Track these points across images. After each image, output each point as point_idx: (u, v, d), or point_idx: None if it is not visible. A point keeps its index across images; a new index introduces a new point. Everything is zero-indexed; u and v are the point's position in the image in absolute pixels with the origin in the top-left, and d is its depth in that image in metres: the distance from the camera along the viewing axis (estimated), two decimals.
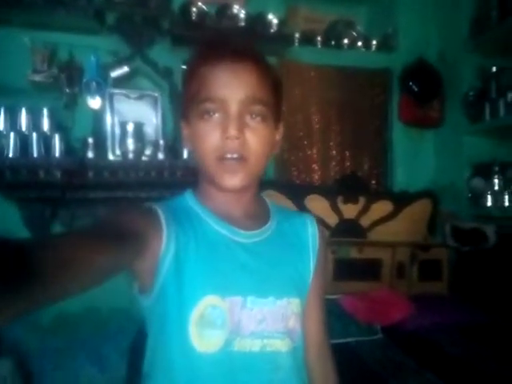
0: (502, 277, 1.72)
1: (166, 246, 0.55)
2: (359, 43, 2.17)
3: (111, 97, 1.75)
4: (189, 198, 0.64)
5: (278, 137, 0.66)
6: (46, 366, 1.57)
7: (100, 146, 1.67)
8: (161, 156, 1.69)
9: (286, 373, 0.60)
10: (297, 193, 1.94)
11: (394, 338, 1.68)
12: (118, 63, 1.77)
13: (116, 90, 1.76)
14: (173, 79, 1.79)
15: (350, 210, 2.02)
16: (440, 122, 2.17)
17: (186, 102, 0.61)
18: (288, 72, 2.03)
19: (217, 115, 0.57)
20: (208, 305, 0.56)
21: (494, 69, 1.92)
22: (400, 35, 2.18)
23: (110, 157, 1.68)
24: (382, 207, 2.10)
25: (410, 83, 2.15)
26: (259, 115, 0.58)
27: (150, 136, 1.77)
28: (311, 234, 0.69)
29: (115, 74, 1.76)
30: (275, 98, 0.61)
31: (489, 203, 1.89)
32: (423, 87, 2.14)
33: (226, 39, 0.62)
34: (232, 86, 0.56)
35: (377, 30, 2.24)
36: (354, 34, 2.19)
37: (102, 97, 1.73)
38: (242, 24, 1.80)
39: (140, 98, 1.80)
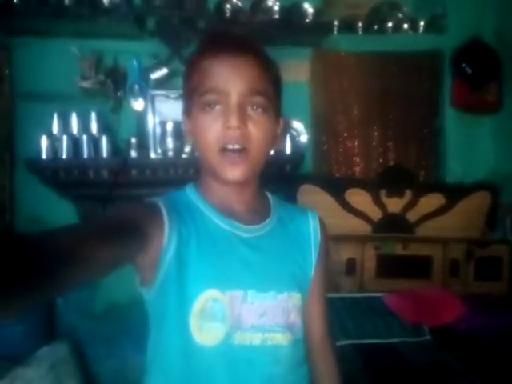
0: None
1: (167, 239, 0.56)
2: (405, 26, 2.03)
3: (152, 98, 1.83)
4: (190, 193, 0.64)
5: (279, 131, 0.65)
6: (98, 352, 1.69)
7: (143, 146, 1.76)
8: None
9: (287, 366, 0.60)
10: (337, 187, 1.88)
11: (444, 340, 1.57)
12: (158, 65, 1.84)
13: (157, 91, 1.84)
14: None
15: (394, 204, 1.92)
16: (498, 106, 1.98)
17: (187, 96, 0.61)
18: (326, 62, 1.96)
19: (218, 107, 0.57)
20: (209, 298, 0.56)
21: None
22: (451, 14, 2.01)
23: (152, 155, 1.76)
24: (432, 201, 1.96)
25: (463, 65, 1.98)
26: (260, 106, 0.58)
27: None
28: (313, 228, 0.69)
29: (155, 75, 1.83)
30: (275, 91, 0.61)
31: None
32: (478, 69, 1.96)
33: (227, 32, 0.62)
34: (233, 78, 0.56)
35: (425, 10, 2.09)
36: (400, 15, 2.06)
37: (145, 98, 1.81)
38: (277, 16, 1.77)
39: (179, 97, 1.86)
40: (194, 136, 0.61)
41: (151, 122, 1.82)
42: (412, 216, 1.94)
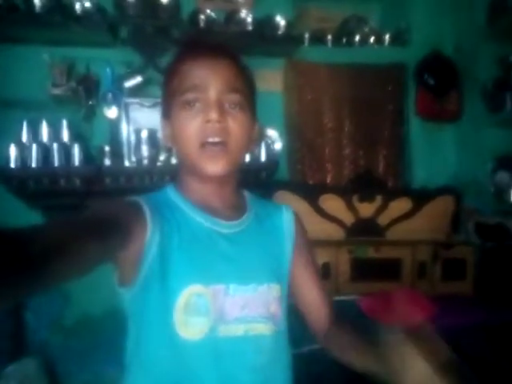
0: None
1: (150, 236, 0.57)
2: (372, 39, 2.14)
3: (126, 106, 1.82)
4: (170, 192, 0.66)
5: (255, 134, 0.68)
6: (69, 367, 1.63)
7: (116, 154, 1.74)
8: (174, 161, 1.73)
9: (269, 356, 0.62)
10: (310, 193, 1.93)
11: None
12: (132, 74, 1.84)
13: (131, 100, 1.83)
14: None
15: (366, 209, 1.99)
16: (459, 114, 2.10)
17: (166, 100, 0.64)
18: (297, 72, 2.03)
19: (198, 104, 0.60)
20: (192, 293, 0.58)
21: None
22: (413, 29, 2.13)
23: (126, 163, 1.74)
24: (400, 205, 2.05)
25: (426, 76, 2.10)
26: (238, 104, 0.61)
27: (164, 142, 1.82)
28: (286, 220, 0.72)
29: (129, 84, 1.83)
30: (250, 93, 0.65)
31: None
32: (439, 80, 2.08)
33: (204, 39, 0.70)
34: (210, 77, 0.60)
35: (390, 24, 2.21)
36: (366, 29, 2.17)
37: (118, 106, 1.80)
38: (250, 28, 1.82)
39: (154, 105, 1.85)
40: (174, 136, 0.63)
41: (125, 130, 1.80)
42: (382, 220, 2.01)
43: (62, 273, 0.41)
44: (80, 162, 1.69)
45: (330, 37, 2.08)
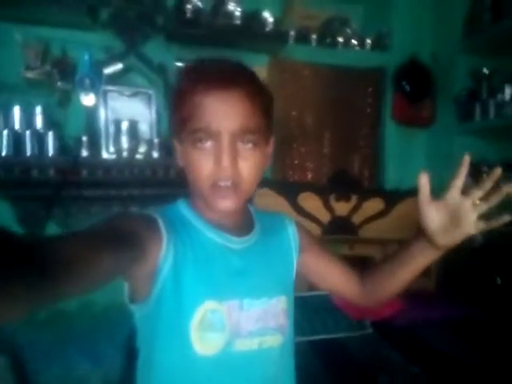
0: (487, 273, 1.78)
1: (165, 252, 0.57)
2: (354, 42, 2.17)
3: (105, 94, 1.74)
4: (182, 208, 0.66)
5: (269, 149, 0.68)
6: (40, 361, 1.58)
7: (94, 144, 1.67)
8: (155, 154, 1.69)
9: (278, 365, 0.65)
10: (290, 191, 1.96)
11: (384, 334, 1.73)
12: (112, 60, 1.76)
13: (110, 87, 1.75)
14: (167, 76, 1.79)
15: (342, 208, 2.05)
16: (431, 121, 2.20)
17: (177, 123, 0.61)
18: (282, 70, 2.03)
19: (209, 143, 0.58)
20: (207, 310, 0.59)
21: (486, 70, 1.95)
22: (394, 35, 2.19)
23: (104, 155, 1.68)
24: (373, 205, 2.13)
25: (403, 82, 2.17)
26: (251, 142, 0.59)
27: (145, 134, 1.76)
28: (291, 232, 0.74)
29: (109, 70, 1.75)
30: (267, 120, 0.62)
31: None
32: (415, 87, 2.16)
33: (216, 63, 0.61)
34: (224, 117, 0.57)
35: (372, 28, 2.25)
36: (349, 32, 2.20)
37: (96, 94, 1.71)
38: (238, 22, 1.79)
39: (134, 95, 1.79)
40: (185, 165, 0.62)
41: (103, 119, 1.73)
42: (356, 219, 2.09)
43: (73, 286, 0.40)
44: (54, 151, 1.61)
45: (314, 36, 2.09)
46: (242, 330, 0.61)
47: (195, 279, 0.59)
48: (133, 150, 1.69)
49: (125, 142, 1.69)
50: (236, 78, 0.58)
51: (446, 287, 2.01)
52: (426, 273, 2.05)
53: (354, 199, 2.10)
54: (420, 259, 0.68)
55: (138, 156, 1.70)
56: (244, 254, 0.65)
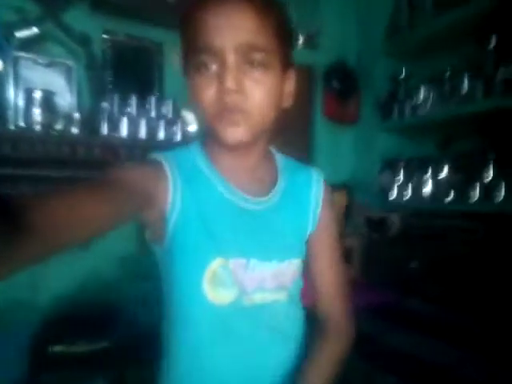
0: (405, 260, 1.91)
1: (172, 200, 0.56)
2: None
3: (16, 61, 1.53)
4: (196, 154, 0.62)
5: (289, 86, 0.62)
6: None
7: (0, 116, 1.45)
8: (75, 130, 1.53)
9: (284, 319, 0.65)
10: None
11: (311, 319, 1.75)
12: (25, 23, 1.55)
13: (22, 54, 1.55)
14: (91, 48, 1.63)
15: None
16: (357, 119, 2.34)
17: (183, 53, 0.57)
18: None
19: (214, 67, 0.53)
20: (218, 265, 0.58)
21: (403, 72, 2.13)
22: (323, 34, 2.29)
23: (12, 127, 1.47)
24: None
25: (332, 81, 2.28)
26: (261, 64, 0.53)
27: (63, 108, 1.58)
28: (314, 193, 0.68)
29: (21, 34, 1.54)
30: (281, 41, 0.56)
31: (394, 195, 2.09)
32: (343, 86, 2.28)
33: None
34: (228, 33, 0.51)
35: (304, 27, 2.32)
36: None
37: (4, 60, 1.50)
38: None
39: (50, 65, 1.61)
40: (194, 100, 0.56)
41: (12, 88, 1.52)
42: None
43: (66, 242, 0.40)
44: None
45: None
46: (247, 287, 0.60)
47: (202, 234, 0.58)
48: (48, 124, 1.50)
49: (38, 114, 1.49)
50: None
51: (368, 274, 2.12)
52: (348, 260, 2.14)
53: None
54: None
55: (54, 132, 1.52)
56: (259, 215, 0.62)
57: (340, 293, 0.71)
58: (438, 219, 1.80)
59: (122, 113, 1.54)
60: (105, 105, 1.55)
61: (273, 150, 0.70)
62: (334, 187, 2.22)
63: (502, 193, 1.59)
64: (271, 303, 0.63)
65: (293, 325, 0.67)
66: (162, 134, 1.59)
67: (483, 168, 1.67)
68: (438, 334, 1.40)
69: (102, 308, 1.42)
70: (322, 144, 2.34)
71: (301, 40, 2.25)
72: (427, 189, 1.91)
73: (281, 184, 0.66)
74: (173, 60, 1.77)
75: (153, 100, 1.61)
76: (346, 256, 2.24)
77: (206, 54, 0.52)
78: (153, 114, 1.60)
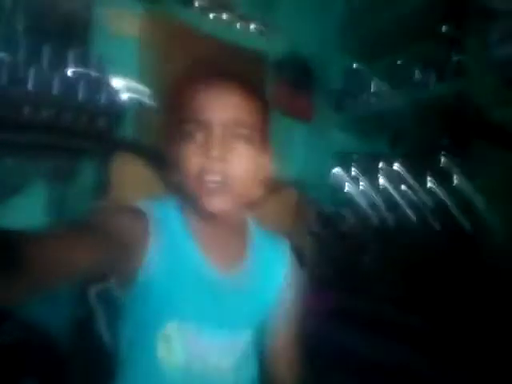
0: (357, 257, 1.77)
1: (148, 256, 0.57)
2: (238, 21, 2.10)
3: None
4: (173, 213, 0.63)
5: (268, 160, 0.65)
6: None
7: None
8: None
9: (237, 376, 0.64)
10: (158, 161, 1.69)
11: None
12: None
13: None
14: None
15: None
16: (311, 112, 2.23)
17: (168, 121, 0.62)
18: (157, 26, 1.79)
19: (199, 136, 0.56)
20: (173, 328, 0.59)
21: (356, 66, 2.07)
22: (279, 23, 2.20)
23: None
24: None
25: (285, 73, 2.17)
26: (244, 138, 0.57)
27: None
28: (283, 271, 0.70)
29: None
30: (262, 121, 0.61)
31: (347, 190, 1.98)
32: (297, 77, 2.18)
33: (213, 61, 0.64)
34: (216, 109, 0.56)
35: (257, 13, 2.22)
36: (236, 12, 2.13)
37: None
38: None
39: None
40: (176, 164, 0.59)
41: None
42: None
43: (49, 282, 0.41)
44: None
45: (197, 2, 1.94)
46: (200, 355, 0.60)
47: (167, 294, 0.58)
48: None
49: None
50: (229, 75, 0.59)
51: (320, 275, 1.95)
52: (299, 261, 1.96)
53: None
54: None
55: None
56: (223, 286, 0.62)
57: (293, 363, 0.72)
58: (390, 212, 1.68)
59: (30, 64, 1.28)
60: (5, 54, 1.28)
61: (249, 220, 0.71)
62: (282, 183, 2.09)
63: (455, 180, 1.52)
64: (220, 372, 0.62)
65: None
66: (81, 94, 1.35)
67: (436, 156, 1.60)
68: (388, 334, 1.26)
69: None
70: (274, 137, 2.19)
71: (253, 24, 2.13)
72: (380, 181, 1.82)
73: (251, 258, 0.66)
74: (105, 17, 1.57)
75: (72, 54, 1.37)
76: (297, 257, 2.07)
77: (194, 125, 0.56)
78: (70, 70, 1.36)
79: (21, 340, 1.07)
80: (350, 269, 1.78)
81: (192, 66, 0.63)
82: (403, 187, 1.71)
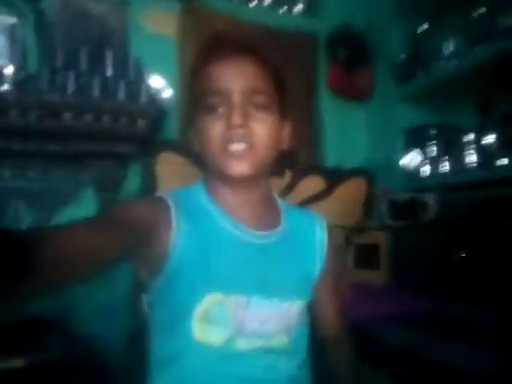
0: (445, 255, 1.46)
1: (174, 238, 0.57)
2: (283, 3, 1.94)
3: None
4: (199, 192, 0.65)
5: (286, 134, 0.67)
6: None
7: None
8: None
9: (282, 370, 0.62)
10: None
11: None
12: None
13: None
14: (40, 6, 1.38)
15: (274, 185, 1.70)
16: (370, 91, 1.97)
17: (192, 100, 0.63)
18: (196, 19, 1.70)
19: (221, 109, 0.59)
20: (213, 302, 0.58)
21: (422, 31, 1.77)
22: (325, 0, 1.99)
23: None
24: (311, 184, 1.81)
25: (338, 50, 1.95)
26: (263, 106, 0.60)
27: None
28: (319, 238, 0.71)
29: None
30: (278, 92, 0.63)
31: (427, 173, 1.68)
32: (351, 54, 1.94)
33: (227, 37, 0.65)
34: (233, 78, 0.59)
35: None
36: None
37: None
38: None
39: None
40: (199, 140, 0.62)
41: None
42: (292, 199, 1.73)
43: (66, 280, 0.41)
44: None
45: None
46: (245, 328, 0.59)
47: (203, 269, 0.58)
48: None
49: None
50: (244, 48, 0.61)
51: (399, 278, 1.67)
52: (375, 263, 1.70)
53: (288, 176, 1.77)
54: None
55: None
56: (261, 250, 0.63)
57: (342, 328, 0.77)
58: (487, 191, 1.36)
59: (69, 69, 1.25)
60: (48, 63, 1.26)
61: (275, 194, 0.72)
62: (348, 172, 1.85)
63: None
64: (270, 352, 0.61)
65: (292, 379, 0.64)
66: (121, 95, 1.29)
67: None
68: (491, 345, 0.98)
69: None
70: (330, 124, 1.97)
71: (300, 6, 1.95)
72: (470, 158, 1.49)
73: (284, 225, 0.68)
74: (142, 19, 1.51)
75: (110, 57, 1.32)
76: (370, 255, 1.82)
77: (214, 97, 0.59)
78: (109, 73, 1.30)
79: (67, 356, 0.99)
80: (438, 268, 1.48)
81: (209, 47, 0.64)
82: (498, 164, 1.38)
